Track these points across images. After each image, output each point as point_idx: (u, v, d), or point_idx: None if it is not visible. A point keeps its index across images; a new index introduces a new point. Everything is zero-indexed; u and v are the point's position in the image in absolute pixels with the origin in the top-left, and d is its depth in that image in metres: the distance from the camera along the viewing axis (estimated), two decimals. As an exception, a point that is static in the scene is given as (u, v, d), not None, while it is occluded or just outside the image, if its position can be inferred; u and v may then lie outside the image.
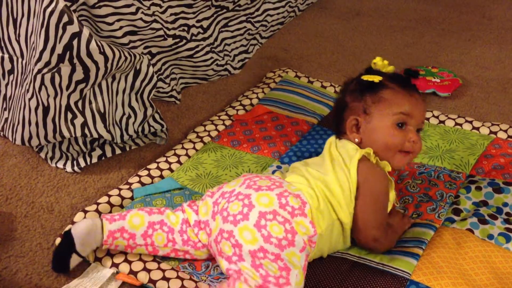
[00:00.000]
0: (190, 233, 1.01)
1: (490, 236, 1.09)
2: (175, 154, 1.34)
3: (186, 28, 1.60)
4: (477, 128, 1.44)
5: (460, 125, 1.46)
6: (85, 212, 1.13)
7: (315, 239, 0.97)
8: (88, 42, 1.16)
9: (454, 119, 1.48)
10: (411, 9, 2.29)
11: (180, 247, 1.01)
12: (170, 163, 1.30)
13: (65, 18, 1.15)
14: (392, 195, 1.08)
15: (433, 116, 1.50)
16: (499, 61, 1.87)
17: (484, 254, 1.06)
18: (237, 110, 1.53)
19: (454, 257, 1.05)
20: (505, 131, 1.42)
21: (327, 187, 1.01)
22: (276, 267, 0.91)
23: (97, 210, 1.13)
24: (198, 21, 1.64)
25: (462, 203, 1.18)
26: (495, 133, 1.42)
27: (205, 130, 1.43)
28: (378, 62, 1.12)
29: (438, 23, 2.16)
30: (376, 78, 1.09)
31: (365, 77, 1.10)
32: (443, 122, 1.48)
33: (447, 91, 1.64)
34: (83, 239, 0.96)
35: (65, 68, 1.18)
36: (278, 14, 2.04)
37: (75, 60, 1.17)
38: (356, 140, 1.08)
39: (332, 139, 1.12)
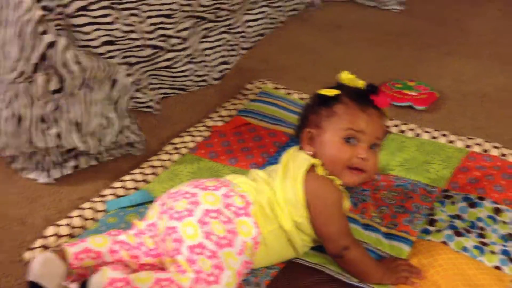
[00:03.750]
0: (147, 240, 1.00)
1: (465, 249, 1.10)
2: (151, 166, 1.33)
3: (165, 38, 1.59)
4: (453, 142, 1.46)
5: (436, 138, 1.47)
6: (58, 226, 1.11)
7: (259, 239, 0.99)
8: (64, 52, 1.16)
9: (430, 133, 1.49)
10: (390, 22, 2.31)
11: (144, 260, 1.00)
12: (145, 175, 1.29)
13: (41, 28, 1.14)
14: (346, 204, 1.08)
15: (409, 129, 1.51)
16: (475, 75, 1.89)
17: (458, 266, 1.07)
18: (216, 121, 1.52)
19: (429, 273, 1.05)
20: (480, 145, 1.44)
21: (272, 193, 1.03)
22: (210, 264, 0.92)
23: (69, 225, 1.12)
24: (177, 31, 1.64)
25: (437, 214, 1.19)
26: (470, 147, 1.44)
27: (182, 142, 1.43)
28: (343, 76, 1.11)
29: (416, 36, 2.18)
30: (331, 92, 1.08)
31: (322, 91, 1.09)
32: (419, 135, 1.49)
33: (424, 105, 1.66)
34: (42, 274, 0.90)
35: (40, 78, 1.17)
36: (258, 25, 2.05)
37: (50, 70, 1.16)
38: (309, 152, 1.07)
39: (293, 149, 1.12)
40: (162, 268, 0.99)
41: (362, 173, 1.06)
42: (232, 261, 0.95)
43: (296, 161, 1.07)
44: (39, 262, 0.91)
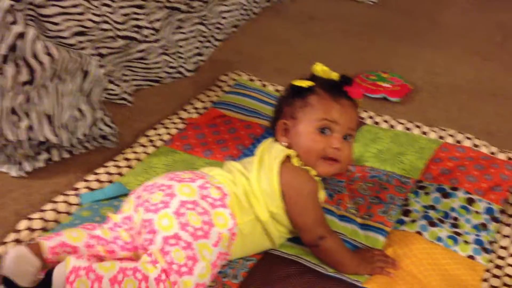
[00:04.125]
0: (122, 233, 0.99)
1: (439, 239, 1.12)
2: (125, 159, 1.31)
3: (137, 29, 1.57)
4: (426, 133, 1.48)
5: (410, 129, 1.49)
6: (30, 219, 1.09)
7: (235, 230, 0.99)
8: (34, 43, 1.13)
9: (403, 124, 1.51)
10: (363, 14, 2.32)
11: (121, 254, 0.98)
12: (119, 168, 1.28)
13: (10, 18, 1.11)
14: (321, 195, 1.09)
15: (384, 121, 1.53)
16: (448, 67, 1.92)
17: (432, 256, 1.08)
18: (190, 113, 1.51)
19: (404, 263, 1.07)
20: (453, 136, 1.46)
21: (248, 184, 1.03)
22: (183, 255, 0.91)
23: (42, 219, 1.10)
24: (150, 22, 1.62)
25: (411, 205, 1.20)
26: (443, 138, 1.46)
27: (157, 134, 1.41)
28: (317, 68, 1.12)
29: (390, 28, 2.20)
30: (305, 84, 1.09)
31: (296, 82, 1.10)
32: (393, 126, 1.50)
33: (398, 96, 1.68)
34: (15, 270, 0.88)
35: (10, 69, 1.14)
36: (232, 16, 2.03)
37: (20, 61, 1.14)
38: (284, 144, 1.08)
39: (268, 140, 1.13)
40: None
41: (336, 163, 1.07)
42: (207, 252, 0.94)
43: (272, 152, 1.07)
44: (12, 258, 0.89)
